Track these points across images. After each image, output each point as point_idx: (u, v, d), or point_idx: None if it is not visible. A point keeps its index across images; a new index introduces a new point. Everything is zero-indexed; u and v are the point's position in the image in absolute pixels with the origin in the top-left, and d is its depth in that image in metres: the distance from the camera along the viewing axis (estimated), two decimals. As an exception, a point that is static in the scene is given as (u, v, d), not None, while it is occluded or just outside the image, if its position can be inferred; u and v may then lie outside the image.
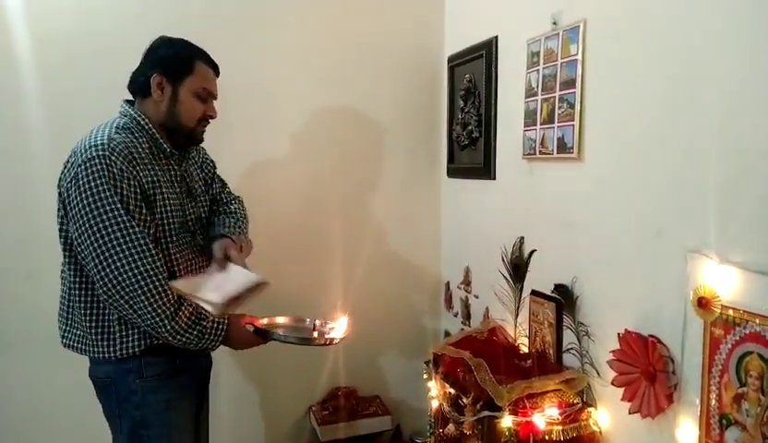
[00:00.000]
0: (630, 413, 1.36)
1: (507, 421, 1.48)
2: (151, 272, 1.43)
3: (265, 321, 1.71)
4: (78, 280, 1.53)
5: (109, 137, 1.47)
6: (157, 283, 1.44)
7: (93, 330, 1.53)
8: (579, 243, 1.62)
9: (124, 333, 1.52)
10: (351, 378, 2.51)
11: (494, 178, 2.08)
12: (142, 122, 1.56)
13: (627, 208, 1.43)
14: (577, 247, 1.63)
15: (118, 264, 1.41)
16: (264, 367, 2.41)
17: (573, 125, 1.59)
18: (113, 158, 1.44)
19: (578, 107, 1.57)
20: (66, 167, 1.50)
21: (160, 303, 1.44)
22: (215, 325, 1.56)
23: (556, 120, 1.66)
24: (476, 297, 2.25)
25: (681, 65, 1.25)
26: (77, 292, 1.53)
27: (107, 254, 1.41)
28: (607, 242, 1.50)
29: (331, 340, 1.70)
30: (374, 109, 2.46)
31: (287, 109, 2.35)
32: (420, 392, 2.62)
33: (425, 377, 1.95)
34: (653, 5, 1.34)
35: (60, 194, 1.51)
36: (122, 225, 1.42)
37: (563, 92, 1.63)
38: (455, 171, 2.41)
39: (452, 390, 1.74)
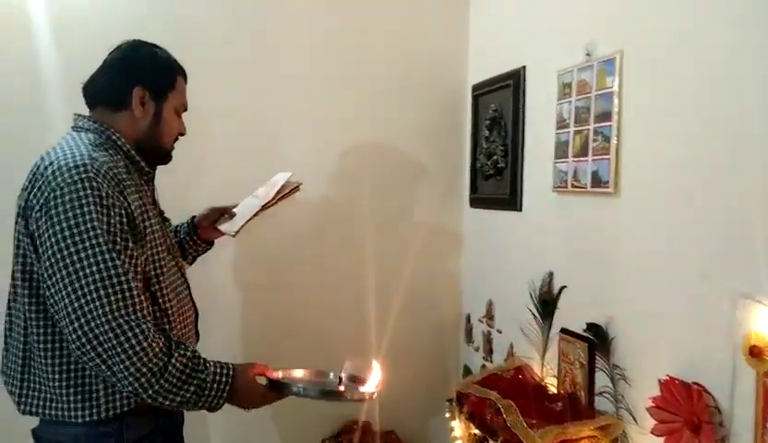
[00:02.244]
0: (672, 466, 1.29)
1: (538, 467, 1.40)
2: (133, 323, 1.18)
3: (280, 374, 1.43)
4: (45, 328, 1.26)
5: (90, 156, 1.23)
6: (141, 337, 1.18)
7: (67, 390, 1.26)
8: (614, 281, 1.55)
9: (109, 390, 1.27)
10: (365, 412, 2.43)
11: (520, 210, 2.02)
12: (116, 139, 1.36)
13: (668, 247, 1.37)
14: (612, 286, 1.56)
15: (96, 313, 1.16)
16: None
17: (609, 159, 1.53)
18: (98, 181, 1.20)
19: (614, 141, 1.52)
20: (30, 190, 1.24)
21: (145, 360, 1.17)
22: (217, 376, 1.27)
23: (590, 153, 1.61)
24: (499, 332, 2.18)
25: (726, 96, 1.20)
26: (42, 343, 1.26)
27: (83, 300, 1.16)
28: (646, 282, 1.43)
29: (363, 395, 1.41)
30: (395, 138, 2.43)
31: (305, 138, 2.32)
32: (436, 428, 2.54)
33: (447, 415, 1.88)
34: (693, 33, 1.29)
35: (27, 224, 1.24)
36: (102, 266, 1.17)
37: (598, 125, 1.58)
38: (478, 201, 2.36)
39: (478, 432, 1.67)
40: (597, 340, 1.59)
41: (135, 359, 1.16)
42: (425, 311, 2.50)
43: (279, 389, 1.36)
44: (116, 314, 1.17)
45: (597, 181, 1.58)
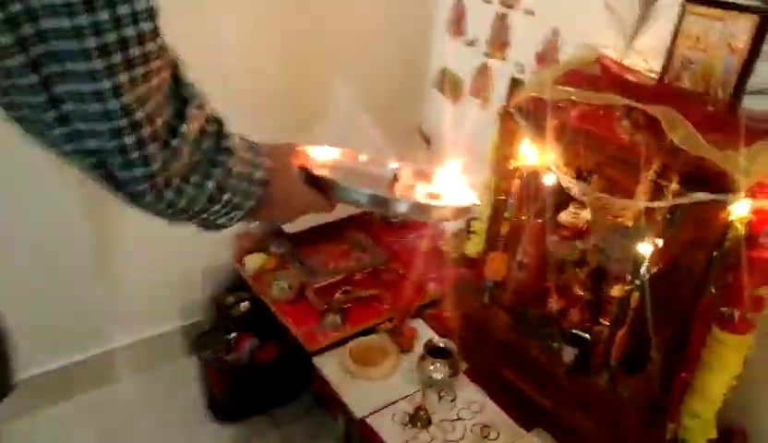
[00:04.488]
0: None
1: (741, 208, 0.90)
2: None
3: (320, 161, 0.80)
4: None
5: None
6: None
7: None
8: None
9: None
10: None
11: None
12: None
13: None
14: None
15: None
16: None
17: None
18: None
19: None
20: None
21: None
22: (252, 171, 0.67)
23: None
24: (530, 13, 1.47)
25: None
26: None
27: None
28: None
29: (456, 209, 0.79)
30: None
31: None
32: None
33: (493, 135, 1.26)
34: None
35: None
36: None
37: None
38: None
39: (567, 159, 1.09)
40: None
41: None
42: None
43: (324, 189, 0.74)
44: None
45: None
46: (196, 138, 0.60)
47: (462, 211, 0.79)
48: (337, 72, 1.65)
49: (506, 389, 1.34)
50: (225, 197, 0.65)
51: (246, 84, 1.52)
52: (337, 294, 1.51)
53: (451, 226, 1.68)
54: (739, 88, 1.09)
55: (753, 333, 0.98)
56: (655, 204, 0.95)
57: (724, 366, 1.01)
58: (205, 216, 0.66)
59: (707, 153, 0.90)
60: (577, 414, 1.20)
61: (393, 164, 0.83)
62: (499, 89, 1.56)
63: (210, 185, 0.63)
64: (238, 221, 0.71)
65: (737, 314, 0.97)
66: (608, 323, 1.23)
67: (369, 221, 1.78)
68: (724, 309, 0.98)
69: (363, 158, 0.86)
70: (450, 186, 0.82)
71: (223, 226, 0.71)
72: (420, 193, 0.79)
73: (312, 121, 1.66)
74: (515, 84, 1.46)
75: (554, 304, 1.32)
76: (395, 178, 0.80)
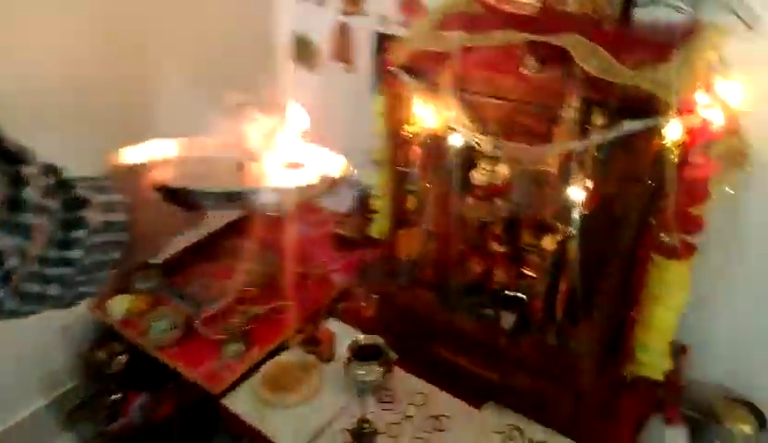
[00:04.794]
0: None
1: (674, 130, 0.82)
2: None
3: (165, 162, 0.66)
4: None
5: None
6: None
7: None
8: None
9: None
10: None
11: None
12: None
13: None
14: None
15: None
16: None
17: None
18: None
19: None
20: None
21: None
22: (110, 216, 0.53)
23: None
24: None
25: None
26: None
27: None
28: None
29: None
30: None
31: None
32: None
33: (376, 95, 1.09)
34: None
35: None
36: None
37: None
38: None
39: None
40: None
41: None
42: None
43: (183, 201, 0.60)
44: None
45: None
46: (43, 203, 0.46)
47: (333, 183, 0.65)
48: (172, 55, 1.37)
49: (446, 372, 1.22)
50: (93, 258, 0.52)
51: (58, 85, 1.21)
52: (233, 319, 1.29)
53: (342, 207, 1.51)
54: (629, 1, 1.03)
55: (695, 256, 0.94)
56: (585, 143, 0.85)
57: (671, 294, 0.96)
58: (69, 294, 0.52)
59: (631, 79, 0.81)
60: (528, 379, 1.12)
61: (244, 145, 0.66)
62: (364, 50, 1.39)
63: (77, 253, 0.50)
64: (104, 282, 0.55)
65: (677, 239, 0.92)
66: (535, 275, 1.16)
67: (245, 223, 1.55)
68: (663, 237, 0.93)
69: (210, 143, 0.70)
70: (313, 156, 0.68)
71: (85, 297, 0.55)
72: (280, 173, 0.64)
73: (148, 113, 1.39)
74: (385, 40, 1.30)
75: (475, 267, 1.22)
76: (247, 161, 0.65)
